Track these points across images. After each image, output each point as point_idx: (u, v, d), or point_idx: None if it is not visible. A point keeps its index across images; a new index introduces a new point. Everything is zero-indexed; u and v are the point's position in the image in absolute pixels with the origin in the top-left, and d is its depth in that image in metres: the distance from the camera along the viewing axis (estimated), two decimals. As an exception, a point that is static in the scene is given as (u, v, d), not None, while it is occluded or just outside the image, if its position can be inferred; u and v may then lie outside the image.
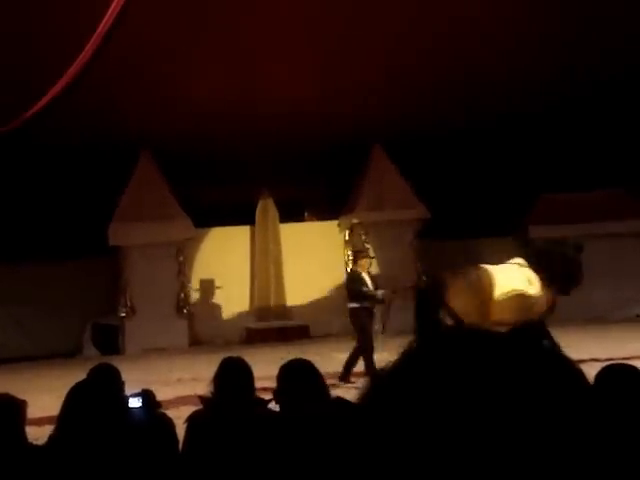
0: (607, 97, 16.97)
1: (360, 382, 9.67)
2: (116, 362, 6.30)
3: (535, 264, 12.09)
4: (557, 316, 18.07)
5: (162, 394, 10.93)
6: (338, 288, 18.69)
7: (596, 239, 18.32)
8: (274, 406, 4.46)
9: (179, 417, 4.83)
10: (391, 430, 0.76)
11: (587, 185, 18.17)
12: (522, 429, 0.75)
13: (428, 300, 11.82)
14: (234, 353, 7.33)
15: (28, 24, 14.67)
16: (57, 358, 16.17)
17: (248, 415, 4.25)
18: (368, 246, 18.45)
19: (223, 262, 18.28)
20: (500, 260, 17.43)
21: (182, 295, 17.88)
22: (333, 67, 16.24)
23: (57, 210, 17.72)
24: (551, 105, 17.15)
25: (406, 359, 0.81)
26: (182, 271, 17.97)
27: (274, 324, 18.00)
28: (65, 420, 3.45)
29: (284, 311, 18.41)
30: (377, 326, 12.94)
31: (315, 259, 18.36)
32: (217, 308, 18.09)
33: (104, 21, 14.80)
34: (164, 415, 4.86)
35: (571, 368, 0.82)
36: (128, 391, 4.63)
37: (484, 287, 11.81)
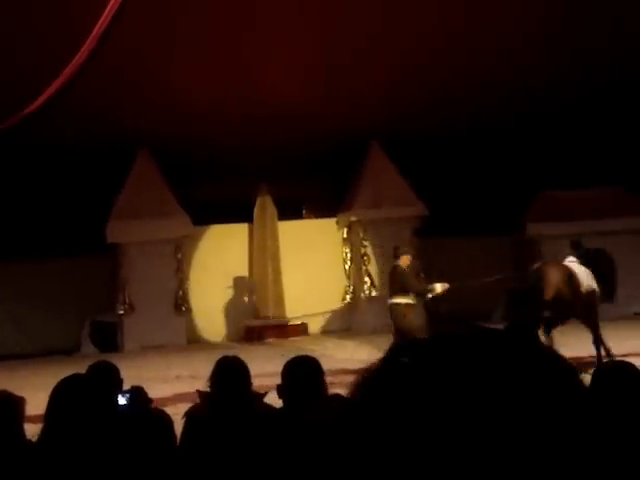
0: (606, 95, 16.97)
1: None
2: (114, 359, 6.31)
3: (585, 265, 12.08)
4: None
5: (160, 391, 10.96)
6: (337, 286, 18.72)
7: (594, 236, 18.33)
8: (269, 400, 4.48)
9: (177, 414, 4.82)
10: (380, 426, 0.76)
11: (586, 182, 18.18)
12: (518, 428, 0.75)
13: (531, 294, 11.71)
14: (232, 350, 7.35)
15: (25, 24, 14.66)
16: (55, 355, 16.16)
17: (245, 409, 4.26)
18: (366, 243, 18.46)
19: (221, 259, 18.27)
20: (499, 259, 17.46)
21: (180, 292, 17.87)
22: (331, 65, 16.23)
23: (55, 208, 17.71)
24: (550, 103, 17.15)
25: (392, 356, 0.81)
26: (180, 268, 17.96)
27: (272, 322, 18.01)
28: (51, 416, 3.45)
29: (282, 309, 18.41)
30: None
31: (313, 257, 18.36)
32: (215, 305, 18.08)
33: (101, 20, 14.79)
34: (161, 411, 4.86)
35: (565, 366, 0.82)
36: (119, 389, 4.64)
37: (577, 282, 11.81)
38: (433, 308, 13.95)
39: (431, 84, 16.54)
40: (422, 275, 13.45)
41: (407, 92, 16.69)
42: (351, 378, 0.88)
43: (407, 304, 12.16)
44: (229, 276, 18.31)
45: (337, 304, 18.50)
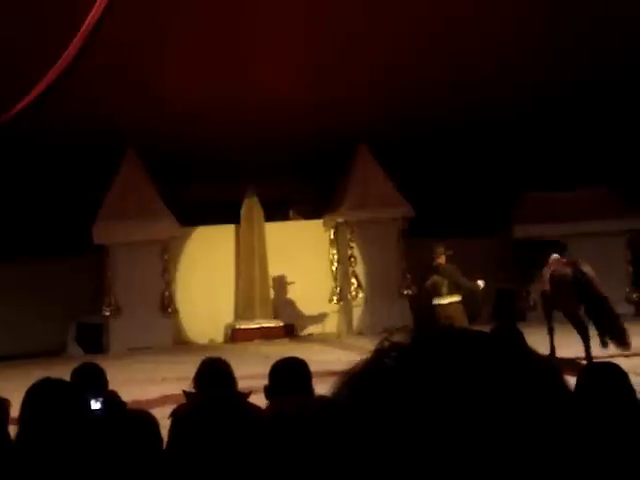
0: (591, 97, 17.04)
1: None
2: (100, 361, 6.29)
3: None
4: (541, 314, 18.18)
5: (147, 393, 10.94)
6: (323, 287, 18.72)
7: (580, 238, 18.40)
8: (254, 401, 4.48)
9: (164, 416, 4.82)
10: (362, 428, 0.77)
11: (571, 184, 18.25)
12: (502, 431, 0.76)
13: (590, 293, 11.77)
14: (218, 352, 7.34)
15: (11, 23, 14.60)
16: (41, 357, 16.10)
17: (230, 410, 4.27)
18: (353, 245, 18.48)
19: (208, 261, 18.25)
20: (485, 260, 17.52)
21: (167, 294, 17.83)
22: (319, 67, 16.24)
23: (41, 208, 17.64)
24: (534, 104, 17.21)
25: (379, 356, 0.81)
26: (167, 270, 17.92)
27: (259, 323, 17.99)
28: (24, 421, 3.44)
29: (269, 310, 18.40)
30: None
31: (300, 258, 18.36)
32: (201, 307, 18.04)
33: (89, 18, 14.74)
34: (143, 412, 4.86)
35: (548, 368, 0.82)
36: (90, 394, 4.60)
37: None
38: (476, 305, 13.86)
39: (418, 86, 16.57)
40: None
41: (394, 94, 16.72)
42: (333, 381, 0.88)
43: (458, 302, 12.19)
44: (216, 277, 18.28)
45: (324, 306, 18.50)
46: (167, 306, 17.76)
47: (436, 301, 12.42)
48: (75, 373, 5.21)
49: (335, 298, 18.67)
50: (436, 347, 0.81)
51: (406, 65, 16.29)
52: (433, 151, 17.88)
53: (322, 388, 4.55)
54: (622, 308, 18.47)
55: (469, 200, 18.36)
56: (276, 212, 19.30)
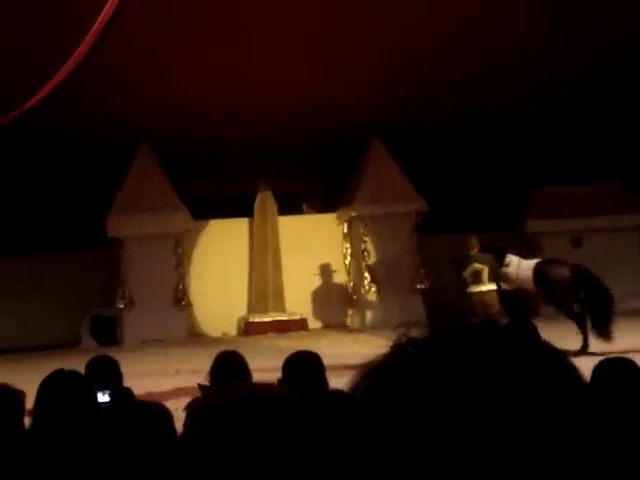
0: (606, 92, 16.96)
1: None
2: (114, 353, 6.31)
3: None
4: (555, 310, 18.13)
5: (160, 385, 10.97)
6: (336, 281, 18.73)
7: (593, 233, 18.35)
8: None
9: (178, 408, 4.83)
10: (380, 423, 0.77)
11: (585, 179, 18.18)
12: (520, 424, 0.76)
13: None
14: (232, 345, 7.35)
15: (26, 17, 14.64)
16: (55, 349, 16.17)
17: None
18: (366, 239, 18.46)
19: (221, 254, 18.28)
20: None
21: (180, 287, 17.88)
22: (333, 61, 16.21)
23: (56, 202, 17.72)
24: (550, 99, 17.14)
25: (396, 351, 0.82)
26: (180, 263, 17.96)
27: (272, 316, 18.01)
28: (38, 412, 3.45)
29: (282, 303, 18.42)
30: None
31: (313, 252, 18.36)
32: (215, 300, 18.08)
33: (102, 14, 14.76)
34: (158, 404, 4.86)
35: (566, 362, 0.82)
36: (97, 387, 4.61)
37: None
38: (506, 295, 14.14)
39: (433, 81, 16.53)
40: None
41: (409, 89, 16.68)
42: (351, 374, 0.88)
43: (495, 291, 12.58)
44: (229, 271, 18.31)
45: (337, 299, 18.51)
46: (181, 299, 17.81)
47: (475, 289, 12.71)
48: (89, 365, 5.23)
49: (348, 292, 18.67)
50: (453, 342, 0.81)
51: (421, 60, 16.24)
52: (447, 146, 17.84)
53: (336, 382, 4.56)
54: (636, 303, 18.42)
55: (483, 195, 18.31)
56: (290, 206, 19.30)
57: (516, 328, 0.85)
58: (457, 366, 0.78)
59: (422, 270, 18.11)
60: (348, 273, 18.77)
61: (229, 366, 4.67)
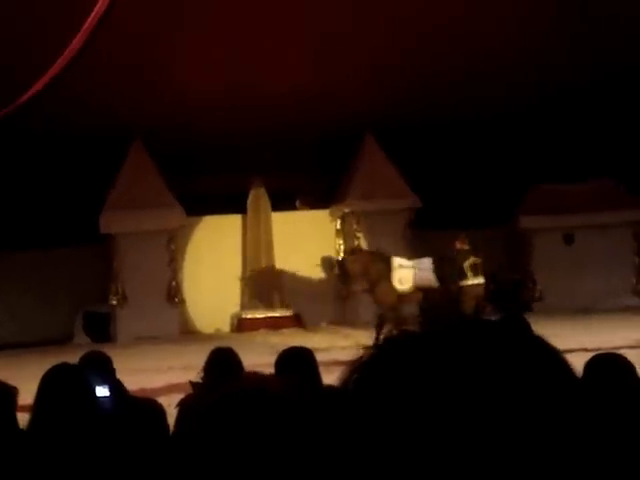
0: (600, 90, 16.98)
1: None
2: (107, 350, 6.29)
3: None
4: (547, 305, 18.23)
5: (153, 381, 10.97)
6: (330, 277, 18.72)
7: (587, 230, 18.39)
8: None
9: (170, 404, 4.84)
10: (373, 415, 0.77)
11: (578, 176, 18.22)
12: (512, 418, 0.76)
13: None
14: (225, 342, 7.33)
15: (18, 11, 14.60)
16: (48, 346, 16.13)
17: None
18: (359, 235, 18.47)
19: (215, 251, 18.26)
20: (492, 251, 17.56)
21: (173, 283, 17.86)
22: (326, 57, 16.21)
23: (49, 198, 17.67)
24: (543, 97, 17.16)
25: (388, 345, 0.82)
26: (174, 259, 17.94)
27: (265, 313, 18.00)
28: (39, 405, 3.46)
29: (275, 300, 18.41)
30: None
31: (307, 248, 18.36)
32: (208, 296, 18.07)
33: (95, 9, 14.73)
34: (152, 400, 4.87)
35: (558, 357, 0.82)
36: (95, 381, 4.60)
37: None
38: None
39: (427, 78, 16.53)
40: None
41: (402, 85, 16.68)
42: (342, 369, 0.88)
43: (482, 285, 13.13)
44: (222, 267, 18.30)
45: (330, 295, 18.50)
46: (174, 295, 17.80)
47: (470, 281, 13.14)
48: (82, 361, 5.22)
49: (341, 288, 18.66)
50: (445, 335, 0.81)
51: (414, 58, 16.23)
52: (441, 143, 17.85)
53: (329, 378, 4.56)
54: (628, 300, 18.48)
55: (477, 191, 18.33)
56: (283, 202, 19.29)
57: (509, 323, 0.85)
58: (449, 360, 0.78)
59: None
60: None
61: (223, 363, 4.67)
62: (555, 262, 18.43)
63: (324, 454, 0.86)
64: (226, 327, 18.17)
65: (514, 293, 18.53)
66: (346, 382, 0.83)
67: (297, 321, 18.02)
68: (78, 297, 17.65)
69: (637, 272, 18.71)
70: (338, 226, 18.93)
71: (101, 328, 17.59)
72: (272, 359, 4.71)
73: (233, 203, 18.71)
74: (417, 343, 0.81)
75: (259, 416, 1.14)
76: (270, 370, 4.63)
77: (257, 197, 18.71)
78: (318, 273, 18.45)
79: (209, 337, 16.15)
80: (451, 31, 15.92)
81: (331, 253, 18.69)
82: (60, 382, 3.46)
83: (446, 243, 18.87)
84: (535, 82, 16.90)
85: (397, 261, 13.38)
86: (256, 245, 18.53)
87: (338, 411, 0.82)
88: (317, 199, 19.69)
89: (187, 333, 17.54)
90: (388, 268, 13.37)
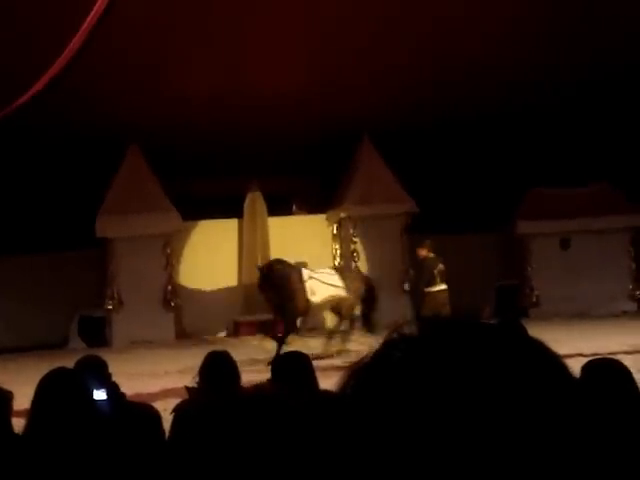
0: (597, 94, 17.01)
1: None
2: (103, 354, 6.28)
3: None
4: (544, 310, 18.23)
5: (149, 386, 10.95)
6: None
7: (583, 234, 18.40)
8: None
9: (166, 409, 4.83)
10: (371, 421, 0.76)
11: (575, 180, 18.23)
12: (510, 422, 0.75)
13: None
14: (221, 346, 7.32)
15: (16, 14, 14.58)
16: (43, 350, 16.10)
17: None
18: (356, 240, 18.47)
19: (211, 255, 18.25)
20: (489, 256, 17.56)
21: (169, 288, 17.84)
22: (322, 61, 16.21)
23: (44, 202, 17.65)
24: (540, 101, 17.19)
25: (387, 349, 0.81)
26: (169, 264, 17.92)
27: (261, 317, 17.97)
28: (36, 410, 3.45)
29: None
30: None
31: (303, 252, 18.32)
32: (204, 300, 18.05)
33: (93, 12, 14.73)
34: (148, 406, 4.86)
35: (556, 361, 0.82)
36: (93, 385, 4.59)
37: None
38: None
39: (423, 82, 16.55)
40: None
41: (397, 89, 16.69)
42: (341, 374, 0.88)
43: (446, 291, 13.59)
44: (218, 271, 18.28)
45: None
46: (170, 300, 17.77)
47: (436, 287, 13.28)
48: (78, 365, 5.21)
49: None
50: (444, 339, 0.80)
51: (411, 60, 16.25)
52: (437, 147, 17.87)
53: (325, 383, 4.55)
54: (625, 305, 18.50)
55: (473, 196, 18.34)
56: (279, 207, 19.29)
57: (507, 327, 0.85)
58: (448, 364, 0.78)
59: (411, 271, 18.13)
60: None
61: (218, 367, 4.66)
62: (552, 267, 18.45)
63: (320, 459, 0.85)
64: (222, 331, 18.15)
65: (511, 298, 18.54)
66: (344, 387, 0.83)
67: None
68: (73, 301, 17.62)
69: (634, 277, 18.72)
70: (335, 231, 18.93)
71: (96, 332, 17.55)
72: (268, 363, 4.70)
73: (229, 207, 18.70)
74: (416, 347, 0.81)
75: (254, 423, 1.13)
76: (267, 374, 4.62)
77: (253, 201, 18.71)
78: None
79: (205, 341, 16.13)
80: (449, 34, 15.93)
81: (328, 257, 18.69)
82: (57, 387, 3.46)
83: (443, 247, 18.93)
84: (532, 86, 16.92)
85: (306, 273, 13.71)
86: (252, 249, 18.52)
87: (335, 416, 0.81)
88: (313, 204, 19.69)
89: (183, 337, 17.51)
90: (301, 279, 13.71)
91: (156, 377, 12.24)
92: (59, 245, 17.46)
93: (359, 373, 0.82)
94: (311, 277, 13.76)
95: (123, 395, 4.93)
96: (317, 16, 15.46)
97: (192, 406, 4.44)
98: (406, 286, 18.06)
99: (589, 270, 18.29)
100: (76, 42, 14.96)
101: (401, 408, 0.77)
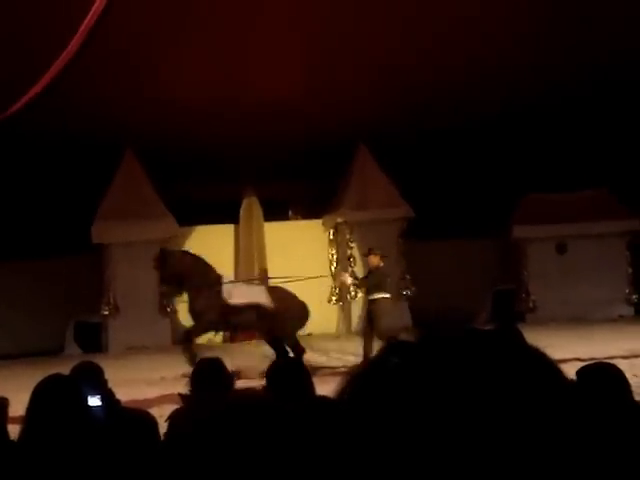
0: (593, 98, 17.03)
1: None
2: (99, 360, 6.26)
3: None
4: (541, 315, 18.24)
5: (145, 392, 10.92)
6: (323, 287, 18.70)
7: (580, 239, 18.42)
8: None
9: (162, 415, 4.81)
10: (368, 427, 0.76)
11: (572, 185, 18.25)
12: (508, 428, 0.75)
13: None
14: (217, 352, 7.31)
15: (14, 19, 14.58)
16: (39, 356, 16.07)
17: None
18: (352, 245, 18.47)
19: (207, 260, 18.19)
20: (485, 261, 17.55)
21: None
22: (318, 66, 16.23)
23: (40, 207, 17.63)
24: (537, 106, 17.20)
25: (382, 357, 0.81)
26: (166, 269, 17.87)
27: (258, 323, 17.93)
28: (31, 416, 3.44)
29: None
30: None
31: (299, 258, 18.33)
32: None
33: (89, 17, 14.73)
34: (144, 412, 4.85)
35: (552, 366, 0.82)
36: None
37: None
38: None
39: (417, 86, 16.56)
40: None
41: (393, 94, 16.71)
42: (337, 380, 0.87)
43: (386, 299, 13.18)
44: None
45: (323, 306, 18.47)
46: (165, 306, 17.74)
47: (378, 295, 13.34)
48: (74, 372, 5.20)
49: (334, 298, 18.64)
50: (441, 346, 0.80)
51: (407, 65, 16.27)
52: (433, 152, 17.88)
53: (322, 389, 4.53)
54: (622, 309, 18.50)
55: (469, 201, 18.35)
56: (275, 212, 19.29)
57: (503, 334, 0.85)
58: (445, 371, 0.77)
59: (408, 276, 18.13)
60: (334, 279, 18.75)
61: (210, 373, 4.64)
62: (548, 272, 18.46)
63: (317, 465, 0.85)
64: (218, 337, 18.11)
65: (508, 303, 18.54)
66: (342, 393, 0.83)
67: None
68: (69, 307, 17.59)
69: (630, 282, 18.73)
70: (331, 236, 18.92)
71: (92, 338, 17.52)
72: (264, 368, 4.69)
73: (225, 213, 18.70)
74: (414, 353, 0.80)
75: (248, 430, 1.12)
76: (263, 380, 4.61)
77: (249, 207, 18.70)
78: (311, 282, 18.40)
79: (201, 347, 16.08)
80: (444, 42, 15.96)
81: (324, 263, 18.69)
82: (52, 393, 3.45)
83: (439, 252, 18.94)
84: (528, 92, 16.94)
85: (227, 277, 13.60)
86: (249, 255, 18.51)
87: (332, 422, 0.81)
88: (310, 209, 19.69)
89: (179, 343, 17.46)
90: (218, 280, 13.47)
91: (152, 383, 12.22)
92: (55, 251, 17.43)
93: (356, 379, 0.82)
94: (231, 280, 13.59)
95: (118, 402, 4.92)
96: (316, 24, 15.47)
97: (185, 414, 4.43)
98: (407, 291, 18.07)
99: (586, 275, 18.30)
100: (73, 46, 14.96)
101: (398, 414, 0.77)
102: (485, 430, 0.75)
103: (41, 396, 3.41)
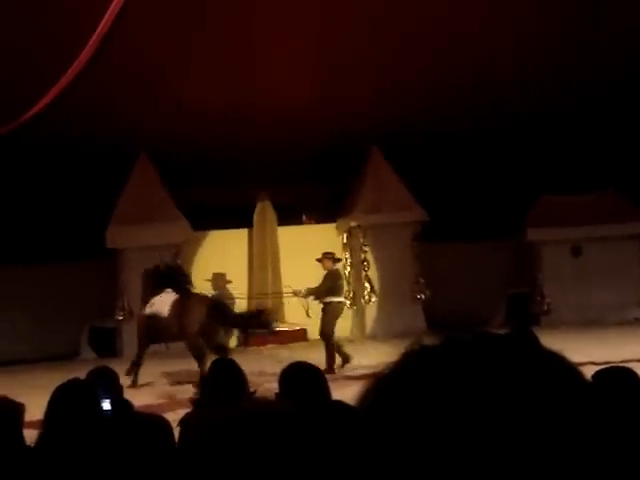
0: (607, 100, 16.97)
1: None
2: (114, 365, 6.29)
3: None
4: (555, 318, 18.17)
5: (159, 397, 10.94)
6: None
7: (595, 242, 18.34)
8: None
9: (175, 420, 4.82)
10: (394, 435, 0.76)
11: (587, 187, 18.17)
12: (526, 431, 0.75)
13: None
14: (231, 356, 7.28)
15: (27, 26, 14.67)
16: (54, 361, 16.13)
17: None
18: (366, 249, 18.44)
19: (221, 265, 18.24)
20: (499, 263, 17.48)
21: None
22: (331, 69, 16.24)
23: (55, 212, 17.69)
24: (550, 107, 17.15)
25: (407, 360, 0.81)
26: (180, 274, 17.89)
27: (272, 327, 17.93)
28: (49, 421, 3.45)
29: (281, 314, 18.36)
30: None
31: (313, 262, 18.31)
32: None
33: (103, 23, 14.81)
34: (159, 417, 4.84)
35: (572, 370, 0.82)
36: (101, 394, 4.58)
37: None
38: None
39: (432, 89, 16.55)
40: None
41: (406, 96, 16.69)
42: (351, 384, 0.87)
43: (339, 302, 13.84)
44: (228, 282, 18.26)
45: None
46: (180, 310, 17.73)
47: (337, 299, 13.58)
48: (89, 377, 5.21)
49: (348, 302, 18.62)
50: (463, 350, 0.80)
51: (420, 68, 16.26)
52: (447, 154, 17.84)
53: (338, 394, 4.53)
54: (637, 312, 18.40)
55: (483, 203, 18.30)
56: (289, 216, 19.29)
57: (522, 338, 0.85)
58: (470, 375, 0.77)
59: (422, 280, 18.09)
60: (348, 283, 18.72)
61: (224, 376, 4.62)
62: (563, 275, 18.39)
63: (337, 471, 0.85)
64: (233, 341, 18.13)
65: (523, 306, 18.47)
66: (365, 398, 0.83)
67: (303, 335, 17.98)
68: (84, 312, 17.64)
69: (643, 284, 18.63)
70: (345, 240, 18.91)
71: (107, 343, 17.57)
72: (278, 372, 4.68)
73: (239, 217, 18.71)
74: (437, 359, 0.80)
75: (262, 438, 1.12)
76: (277, 385, 4.60)
77: (263, 211, 18.71)
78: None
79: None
80: (457, 45, 15.94)
81: (338, 267, 18.65)
82: (70, 399, 3.46)
83: (453, 255, 18.89)
84: (541, 94, 16.90)
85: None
86: (262, 259, 18.52)
87: (354, 428, 0.81)
88: (323, 213, 19.68)
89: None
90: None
91: (167, 388, 12.24)
92: (69, 256, 17.49)
93: (379, 384, 0.82)
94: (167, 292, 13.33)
95: (131, 406, 4.93)
96: (326, 28, 15.49)
97: (197, 420, 4.41)
98: (420, 295, 18.02)
99: (601, 278, 18.22)
100: (86, 53, 15.03)
101: (422, 420, 0.77)
102: (508, 436, 0.75)
103: (59, 401, 3.42)
